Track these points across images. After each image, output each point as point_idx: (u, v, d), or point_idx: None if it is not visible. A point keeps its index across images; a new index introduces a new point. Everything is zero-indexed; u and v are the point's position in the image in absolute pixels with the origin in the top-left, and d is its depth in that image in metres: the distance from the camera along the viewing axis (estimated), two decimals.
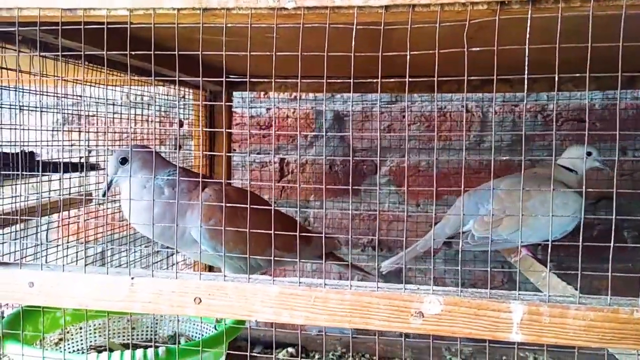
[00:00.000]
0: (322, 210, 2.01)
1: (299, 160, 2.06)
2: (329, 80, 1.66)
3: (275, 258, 1.13)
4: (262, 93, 2.06)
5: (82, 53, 0.78)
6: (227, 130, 1.85)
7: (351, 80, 0.81)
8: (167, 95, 1.76)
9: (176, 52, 0.76)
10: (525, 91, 0.72)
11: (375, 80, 1.60)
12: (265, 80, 1.79)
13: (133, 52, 0.78)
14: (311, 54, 0.72)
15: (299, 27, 0.71)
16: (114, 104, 1.44)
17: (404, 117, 2.00)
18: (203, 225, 1.06)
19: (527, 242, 1.44)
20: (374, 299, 0.71)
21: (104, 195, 1.09)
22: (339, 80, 1.63)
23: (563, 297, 0.69)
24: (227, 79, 1.80)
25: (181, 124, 2.18)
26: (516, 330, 0.68)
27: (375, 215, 2.00)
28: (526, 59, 0.66)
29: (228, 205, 1.06)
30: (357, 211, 2.02)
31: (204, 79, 0.82)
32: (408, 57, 0.69)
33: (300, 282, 0.74)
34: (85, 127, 1.56)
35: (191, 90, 1.83)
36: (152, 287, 0.76)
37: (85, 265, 0.80)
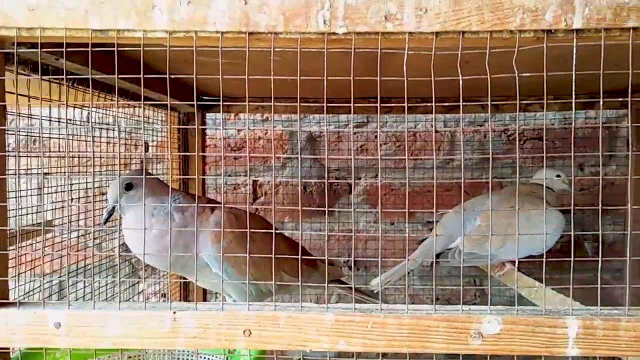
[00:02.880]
0: (296, 232, 2.00)
1: (274, 181, 2.04)
2: (300, 103, 1.68)
3: (285, 283, 1.12)
4: (233, 115, 2.03)
5: (116, 77, 0.74)
6: (201, 153, 1.81)
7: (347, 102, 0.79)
8: (132, 116, 1.68)
9: (220, 77, 0.73)
10: (573, 109, 0.76)
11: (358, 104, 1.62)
12: (241, 102, 1.77)
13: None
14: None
15: (299, 52, 0.70)
16: (73, 124, 1.35)
17: (375, 137, 2.03)
18: (214, 247, 1.03)
19: (513, 257, 1.50)
20: (432, 322, 0.71)
21: (105, 223, 1.03)
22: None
23: (612, 310, 0.72)
24: (200, 101, 1.76)
25: (147, 148, 2.10)
26: (572, 345, 0.70)
27: (350, 235, 2.01)
28: (573, 84, 0.70)
29: (239, 226, 1.03)
30: (332, 232, 2.01)
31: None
32: (461, 81, 0.71)
33: (355, 308, 0.73)
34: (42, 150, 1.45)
35: (161, 112, 1.77)
36: (196, 321, 0.73)
37: (119, 302, 0.74)
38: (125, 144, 1.80)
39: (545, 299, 1.20)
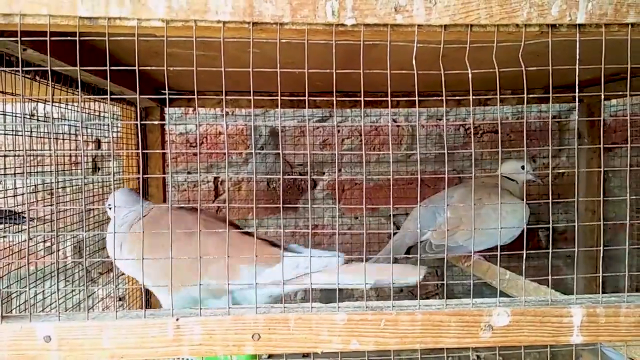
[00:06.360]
0: (259, 229, 1.96)
1: (223, 178, 1.99)
2: (263, 97, 1.64)
3: (211, 288, 1.01)
4: (191, 109, 1.96)
5: (108, 69, 0.68)
6: (163, 151, 1.74)
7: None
8: (83, 110, 1.59)
9: (222, 69, 0.69)
10: (577, 103, 0.77)
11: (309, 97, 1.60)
12: (202, 96, 1.71)
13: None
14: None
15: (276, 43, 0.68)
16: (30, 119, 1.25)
17: (338, 131, 2.02)
18: (120, 258, 1.06)
19: (481, 247, 1.53)
20: (444, 317, 0.71)
21: None
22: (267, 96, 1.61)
23: (611, 297, 0.74)
24: (161, 95, 1.69)
25: (98, 144, 2.00)
26: (577, 333, 0.72)
27: (314, 230, 2.00)
28: (577, 78, 0.71)
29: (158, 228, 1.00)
30: (297, 227, 1.99)
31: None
32: (470, 75, 0.70)
33: (366, 307, 0.71)
34: None
35: (115, 105, 1.67)
36: (201, 327, 0.69)
37: (116, 310, 0.69)
38: (76, 141, 1.69)
39: (519, 288, 1.23)
